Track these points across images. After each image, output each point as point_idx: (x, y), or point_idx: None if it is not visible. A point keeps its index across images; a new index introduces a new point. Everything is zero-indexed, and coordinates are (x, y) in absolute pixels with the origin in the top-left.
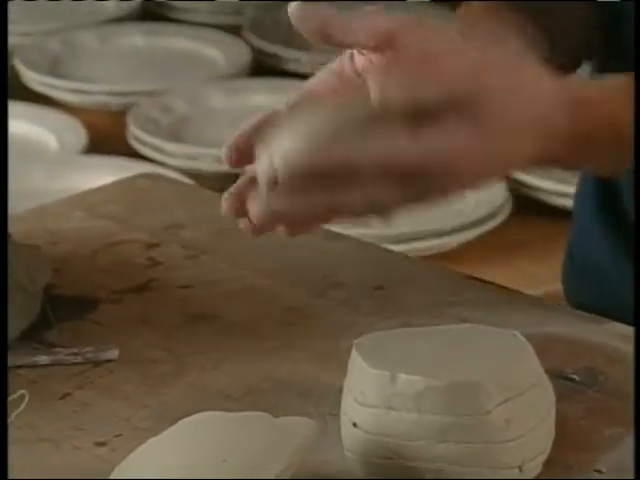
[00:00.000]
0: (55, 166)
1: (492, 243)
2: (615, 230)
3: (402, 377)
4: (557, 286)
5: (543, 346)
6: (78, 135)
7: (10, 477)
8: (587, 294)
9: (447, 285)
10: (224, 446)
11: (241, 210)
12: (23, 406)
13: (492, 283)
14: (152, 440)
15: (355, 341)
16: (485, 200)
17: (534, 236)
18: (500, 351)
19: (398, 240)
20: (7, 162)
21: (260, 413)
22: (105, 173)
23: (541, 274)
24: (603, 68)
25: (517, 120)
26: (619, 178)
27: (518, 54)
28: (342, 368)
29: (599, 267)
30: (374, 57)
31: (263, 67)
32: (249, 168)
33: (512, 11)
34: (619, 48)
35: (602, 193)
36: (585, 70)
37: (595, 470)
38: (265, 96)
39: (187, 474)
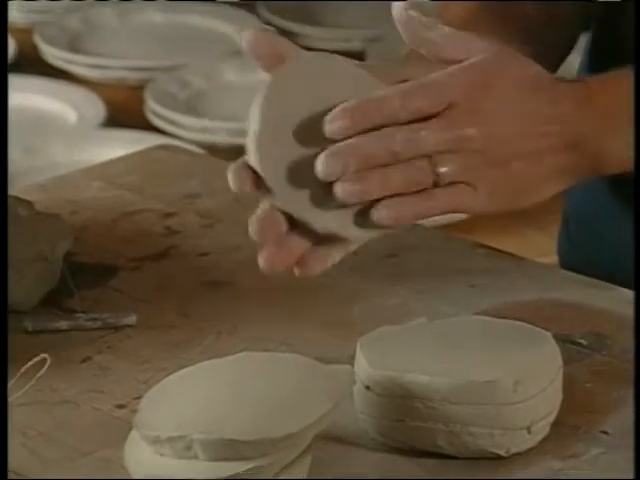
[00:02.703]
0: (75, 139)
1: (500, 214)
2: (613, 187)
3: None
4: None
5: (551, 312)
6: (97, 109)
7: (30, 438)
8: (582, 260)
9: (457, 253)
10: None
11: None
12: (44, 369)
13: (500, 251)
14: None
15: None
16: None
17: (539, 207)
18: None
19: None
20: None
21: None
22: (123, 146)
23: (546, 243)
24: (593, 67)
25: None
26: None
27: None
28: (355, 333)
29: (595, 229)
30: None
31: None
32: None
33: (495, 26)
34: (609, 48)
35: None
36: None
37: (601, 431)
38: None
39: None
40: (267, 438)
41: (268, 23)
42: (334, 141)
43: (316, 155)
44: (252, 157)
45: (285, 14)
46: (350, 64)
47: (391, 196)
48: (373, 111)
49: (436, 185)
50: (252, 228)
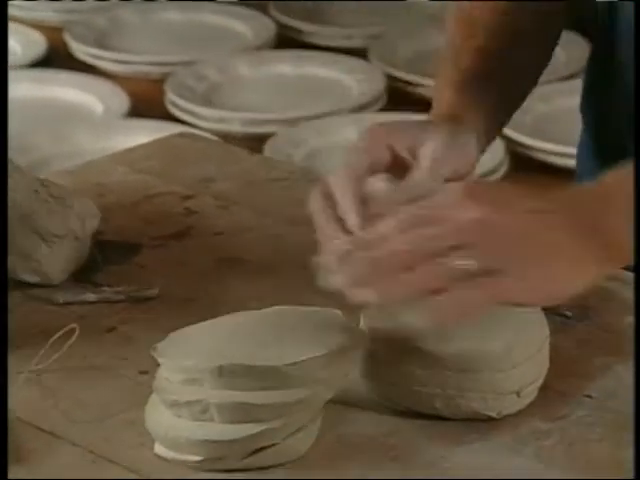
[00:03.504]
0: (101, 128)
1: None
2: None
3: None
4: None
5: None
6: (121, 101)
7: (60, 403)
8: None
9: None
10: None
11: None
12: (74, 338)
13: None
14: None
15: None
16: (485, 158)
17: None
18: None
19: None
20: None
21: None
22: (145, 134)
23: None
24: (593, 86)
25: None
26: (621, 136)
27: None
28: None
29: None
30: None
31: (286, 40)
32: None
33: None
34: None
35: (603, 151)
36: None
37: (585, 395)
38: (287, 66)
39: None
40: (280, 402)
41: (278, 22)
42: None
43: None
44: None
45: (293, 13)
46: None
47: None
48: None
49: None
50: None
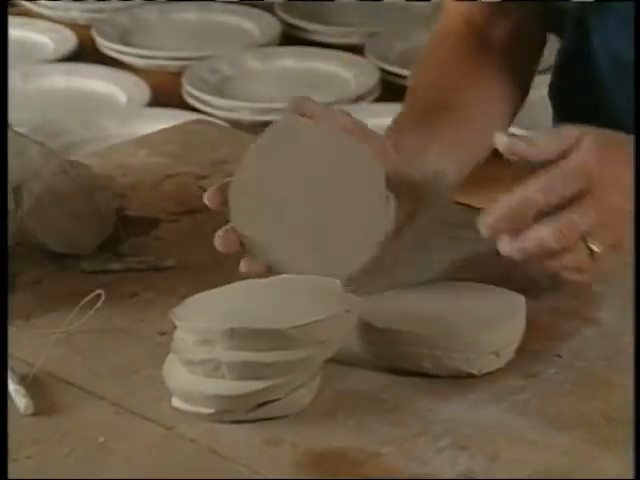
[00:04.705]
0: (124, 116)
1: (474, 177)
2: None
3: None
4: None
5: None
6: (142, 91)
7: (88, 361)
8: None
9: (441, 210)
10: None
11: None
12: (100, 303)
13: (475, 207)
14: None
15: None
16: None
17: (508, 172)
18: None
19: None
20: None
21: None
22: (164, 121)
23: None
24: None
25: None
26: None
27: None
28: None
29: None
30: None
31: (290, 37)
32: None
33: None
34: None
35: None
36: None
37: (556, 355)
38: (291, 60)
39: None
40: (284, 361)
41: (283, 21)
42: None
43: (294, 209)
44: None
45: (297, 13)
46: (339, 133)
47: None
48: (522, 212)
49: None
50: (216, 242)
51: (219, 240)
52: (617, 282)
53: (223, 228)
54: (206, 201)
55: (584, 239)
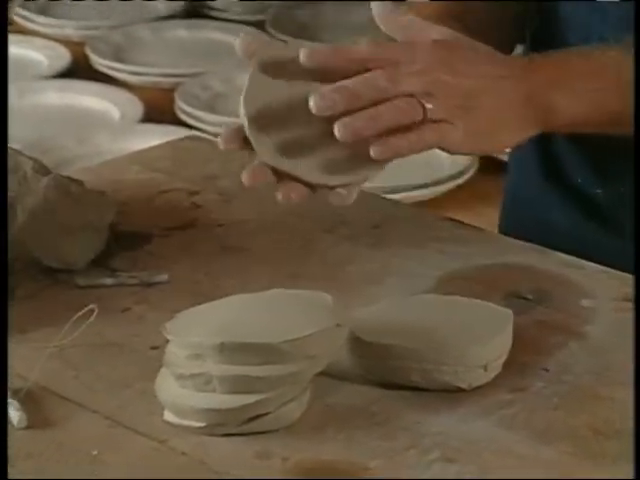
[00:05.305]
0: (118, 131)
1: (463, 194)
2: (547, 177)
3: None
4: None
5: (503, 271)
6: (136, 108)
7: (78, 381)
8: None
9: (429, 225)
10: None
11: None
12: (93, 318)
13: (464, 223)
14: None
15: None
16: (457, 160)
17: (495, 189)
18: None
19: (392, 191)
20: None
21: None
22: (157, 137)
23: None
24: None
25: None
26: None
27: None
28: (347, 289)
29: (527, 214)
30: None
31: None
32: None
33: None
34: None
35: (541, 154)
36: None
37: (543, 369)
38: None
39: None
40: (274, 375)
41: (273, 38)
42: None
43: (300, 116)
44: (241, 117)
45: (287, 31)
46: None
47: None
48: (347, 58)
49: (423, 122)
50: (244, 179)
51: (221, 137)
52: (604, 296)
53: (226, 128)
54: (222, 145)
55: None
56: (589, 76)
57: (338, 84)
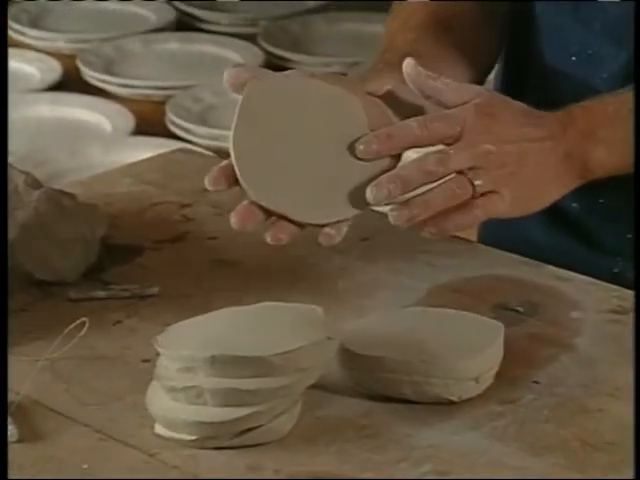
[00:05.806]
0: (109, 144)
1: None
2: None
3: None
4: None
5: (494, 284)
6: (127, 120)
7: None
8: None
9: (418, 238)
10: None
11: None
12: (84, 331)
13: (453, 235)
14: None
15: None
16: None
17: None
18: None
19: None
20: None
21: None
22: (148, 149)
23: None
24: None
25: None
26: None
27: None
28: (339, 302)
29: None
30: None
31: (273, 67)
32: None
33: (437, 39)
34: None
35: None
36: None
37: (533, 381)
38: None
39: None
40: (265, 388)
41: (265, 51)
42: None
43: (289, 154)
44: (232, 157)
45: (279, 44)
46: (319, 80)
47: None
48: (398, 136)
49: (472, 198)
50: (233, 222)
51: (208, 177)
52: (594, 308)
53: (214, 167)
54: (210, 186)
55: (465, 175)
56: (623, 121)
57: (391, 174)
